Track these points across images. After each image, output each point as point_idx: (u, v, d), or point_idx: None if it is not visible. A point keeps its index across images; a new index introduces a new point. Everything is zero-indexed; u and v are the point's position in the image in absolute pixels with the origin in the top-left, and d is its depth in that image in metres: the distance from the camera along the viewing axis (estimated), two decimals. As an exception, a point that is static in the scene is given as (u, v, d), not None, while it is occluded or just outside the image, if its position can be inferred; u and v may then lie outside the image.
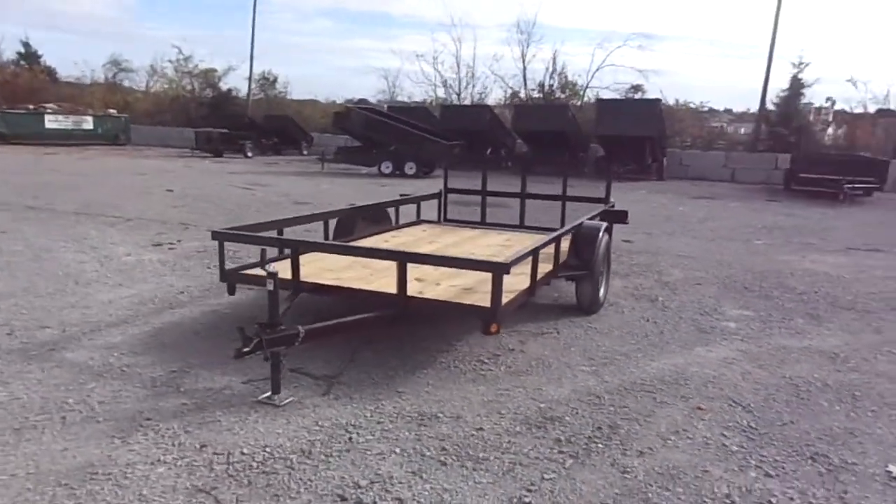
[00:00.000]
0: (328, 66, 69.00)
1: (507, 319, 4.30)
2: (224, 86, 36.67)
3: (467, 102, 31.18)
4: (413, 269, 3.94)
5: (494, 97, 32.50)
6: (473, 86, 33.34)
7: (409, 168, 18.87)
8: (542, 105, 26.33)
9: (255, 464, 2.77)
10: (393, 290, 3.89)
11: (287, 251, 4.28)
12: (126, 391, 3.46)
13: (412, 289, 3.96)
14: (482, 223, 7.17)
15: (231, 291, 4.45)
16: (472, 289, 4.11)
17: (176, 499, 2.51)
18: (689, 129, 24.95)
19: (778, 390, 3.81)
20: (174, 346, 4.16)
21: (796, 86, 23.33)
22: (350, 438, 3.02)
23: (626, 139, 19.15)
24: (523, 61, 31.36)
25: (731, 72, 56.97)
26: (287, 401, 3.35)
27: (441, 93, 34.10)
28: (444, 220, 7.30)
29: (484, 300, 3.85)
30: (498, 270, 3.54)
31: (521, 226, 7.00)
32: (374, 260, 4.55)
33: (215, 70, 36.92)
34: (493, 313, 3.59)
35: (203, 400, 3.38)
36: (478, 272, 4.28)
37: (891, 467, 2.95)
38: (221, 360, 3.91)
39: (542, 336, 4.60)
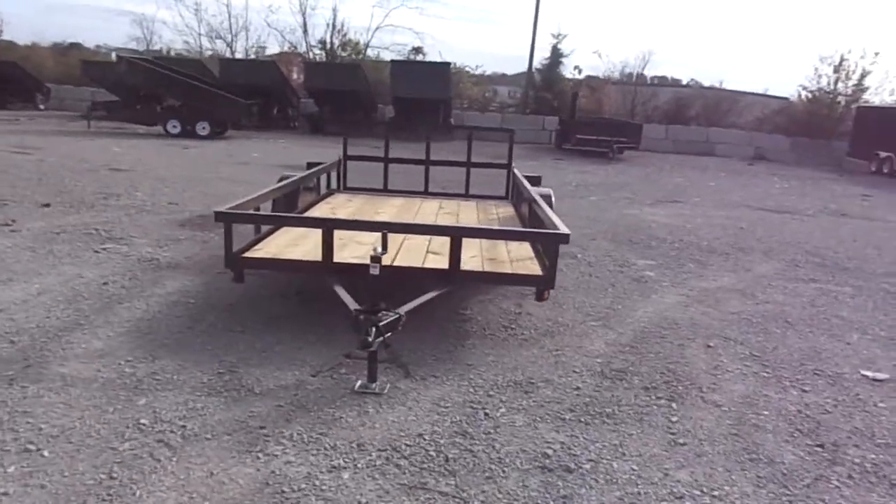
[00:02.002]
0: (55, 5, 58.26)
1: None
2: None
3: (240, 56, 29.10)
4: (420, 242, 4.08)
5: (272, 52, 30.71)
6: (248, 38, 31.17)
7: (202, 128, 17.28)
8: (335, 63, 25.68)
9: (432, 453, 2.73)
10: (416, 264, 4.01)
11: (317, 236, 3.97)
12: (194, 402, 3.04)
13: (435, 261, 4.03)
14: (385, 190, 7.15)
15: (239, 279, 3.98)
16: (495, 259, 4.27)
17: (401, 500, 2.41)
18: (467, 93, 26.50)
19: (741, 324, 4.66)
20: (184, 346, 3.67)
21: (556, 55, 26.09)
22: (486, 414, 3.09)
23: (422, 101, 19.78)
24: (303, 15, 29.96)
25: (493, 38, 61.03)
26: (387, 388, 3.25)
27: (207, 43, 31.32)
28: (344, 188, 7.12)
29: (519, 268, 4.08)
30: (559, 241, 3.77)
31: (425, 192, 7.14)
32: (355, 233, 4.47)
33: None
34: (551, 280, 3.82)
35: (294, 399, 3.12)
36: (481, 241, 4.47)
37: (862, 371, 3.91)
38: (258, 355, 3.61)
39: (527, 298, 4.92)
